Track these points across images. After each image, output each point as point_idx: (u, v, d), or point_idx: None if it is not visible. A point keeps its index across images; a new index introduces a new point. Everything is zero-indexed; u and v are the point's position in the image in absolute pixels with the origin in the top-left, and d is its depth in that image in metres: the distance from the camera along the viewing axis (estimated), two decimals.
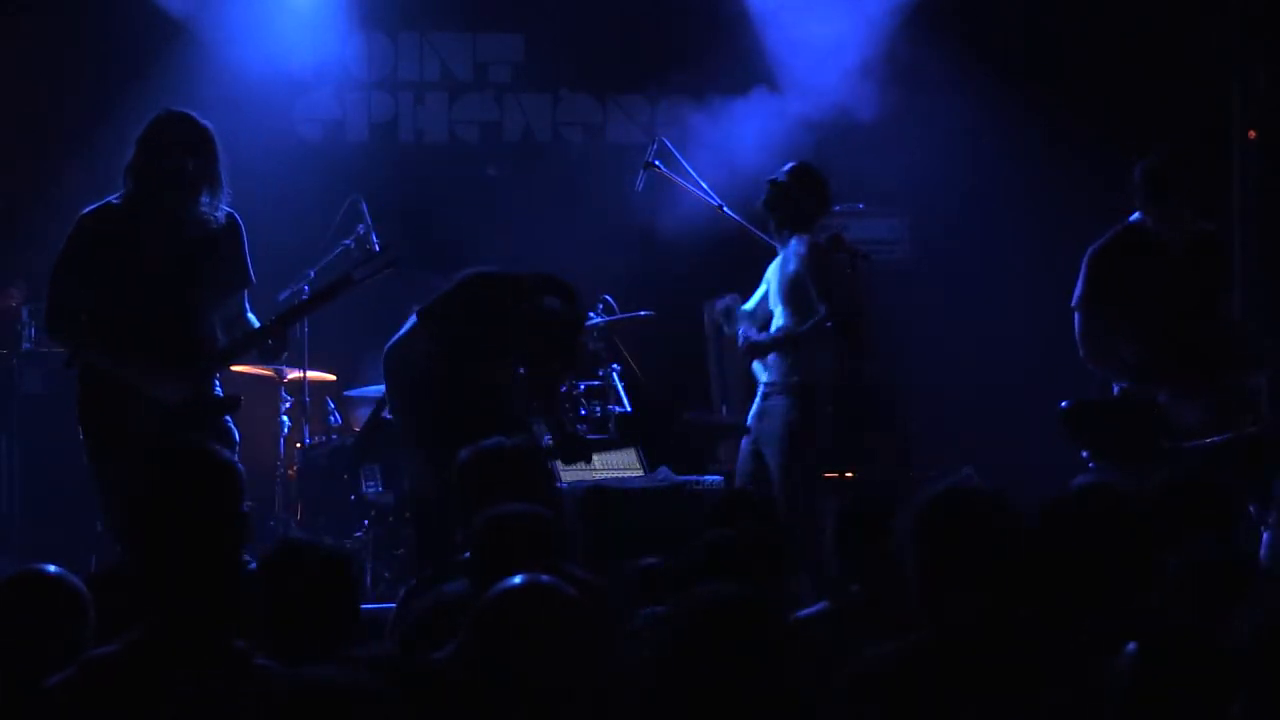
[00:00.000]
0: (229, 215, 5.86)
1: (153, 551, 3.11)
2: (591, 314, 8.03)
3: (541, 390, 6.55)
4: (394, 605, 5.23)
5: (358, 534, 7.88)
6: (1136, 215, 6.44)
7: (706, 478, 6.95)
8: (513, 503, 4.31)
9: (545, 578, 3.13)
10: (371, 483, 7.91)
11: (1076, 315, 6.45)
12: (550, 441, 6.63)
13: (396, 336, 6.37)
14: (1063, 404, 6.32)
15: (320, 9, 9.16)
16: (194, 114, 5.81)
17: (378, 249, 7.31)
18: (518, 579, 3.11)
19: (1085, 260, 6.46)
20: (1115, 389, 6.40)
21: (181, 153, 5.69)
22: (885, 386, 8.41)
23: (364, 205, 8.03)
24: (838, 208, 8.62)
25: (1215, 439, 6.05)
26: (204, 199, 5.73)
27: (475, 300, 6.27)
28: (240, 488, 3.22)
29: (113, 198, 5.77)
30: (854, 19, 9.16)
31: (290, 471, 8.35)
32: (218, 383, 5.91)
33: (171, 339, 5.70)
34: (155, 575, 3.10)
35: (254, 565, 3.73)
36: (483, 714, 3.06)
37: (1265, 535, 5.17)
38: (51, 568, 3.54)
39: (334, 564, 3.64)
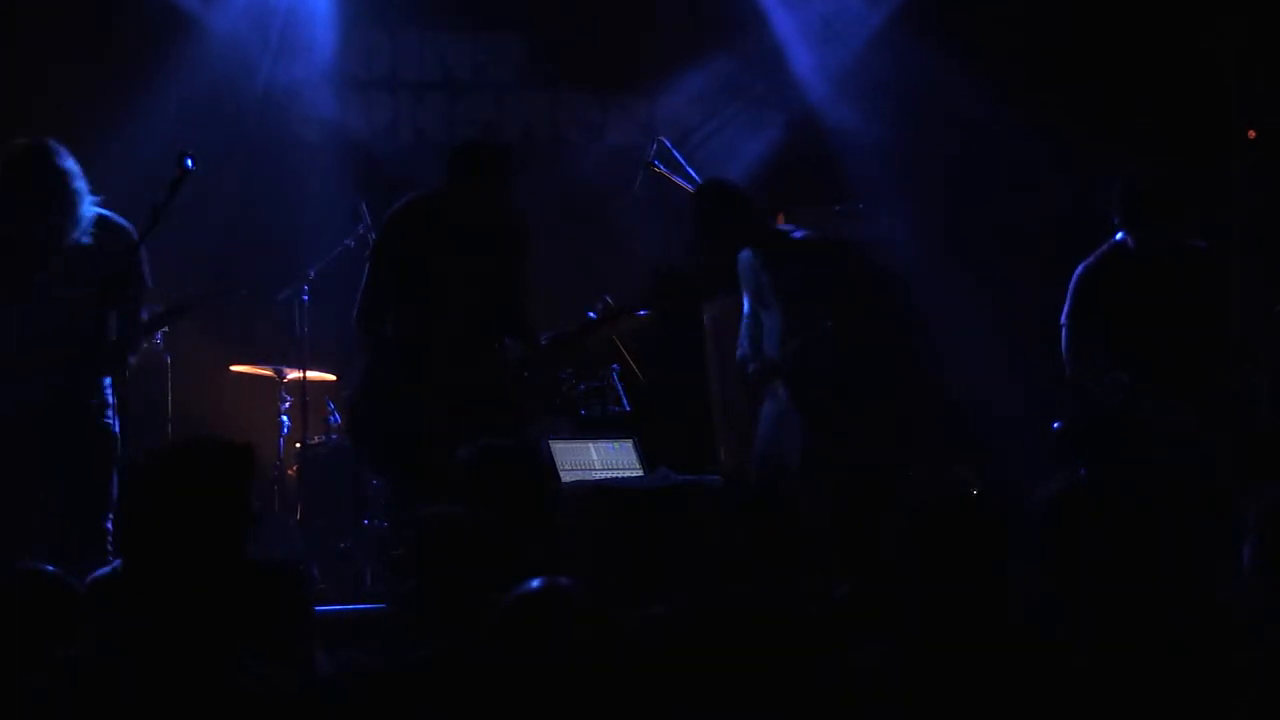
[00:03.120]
0: (115, 229, 6.03)
1: (153, 546, 3.09)
2: (590, 313, 8.05)
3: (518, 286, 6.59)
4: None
5: (365, 521, 7.89)
6: (1117, 228, 6.50)
7: (706, 478, 6.95)
8: (508, 502, 4.32)
9: (563, 580, 3.15)
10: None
11: (1063, 331, 6.51)
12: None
13: (360, 291, 6.47)
14: (1055, 425, 6.36)
15: (320, 8, 9.16)
16: (42, 146, 5.97)
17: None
18: (535, 582, 3.13)
19: (1073, 279, 6.53)
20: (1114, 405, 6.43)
21: (21, 190, 5.91)
22: (884, 386, 8.40)
23: (364, 205, 8.05)
24: (837, 208, 8.65)
25: (1208, 446, 6.07)
26: (58, 229, 5.92)
27: (409, 219, 6.42)
28: (248, 482, 3.22)
29: None
30: (854, 19, 9.19)
31: (290, 471, 8.36)
32: (108, 384, 6.07)
33: (42, 349, 5.90)
34: (152, 571, 3.08)
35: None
36: (492, 714, 3.08)
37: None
38: (48, 567, 3.55)
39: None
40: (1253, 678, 3.27)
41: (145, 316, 6.19)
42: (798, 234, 7.01)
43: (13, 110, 8.62)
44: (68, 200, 5.95)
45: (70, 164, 5.96)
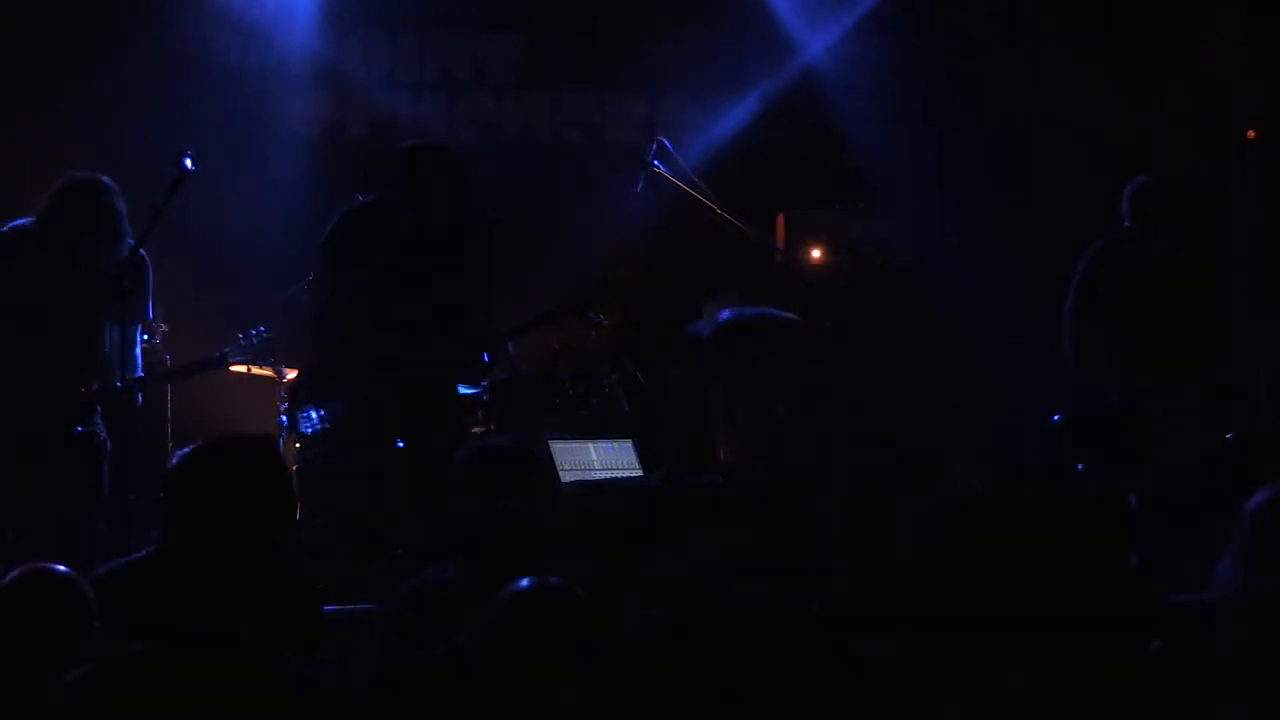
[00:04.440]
0: (137, 256, 6.16)
1: (196, 539, 3.07)
2: (591, 316, 8.08)
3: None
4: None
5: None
6: (1126, 224, 6.54)
7: (705, 478, 6.95)
8: (510, 500, 4.31)
9: (554, 579, 3.15)
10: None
11: (1066, 323, 6.53)
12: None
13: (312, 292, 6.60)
14: (1055, 417, 6.37)
15: (320, 8, 9.16)
16: (100, 182, 6.11)
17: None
18: (525, 582, 3.12)
19: (1076, 272, 6.56)
20: (1117, 401, 6.44)
21: (81, 226, 6.08)
22: (883, 385, 8.40)
23: None
24: (836, 206, 8.64)
25: (1209, 444, 6.08)
26: (100, 263, 6.10)
27: (355, 222, 6.60)
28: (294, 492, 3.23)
29: (26, 222, 6.01)
30: (852, 19, 9.21)
31: (290, 472, 8.34)
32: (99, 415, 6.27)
33: (42, 372, 6.09)
34: (197, 565, 3.06)
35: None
36: (488, 711, 3.07)
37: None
38: (58, 567, 3.56)
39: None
40: (1244, 674, 3.27)
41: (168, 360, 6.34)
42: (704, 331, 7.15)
43: (11, 110, 8.63)
44: (117, 241, 6.04)
45: (121, 204, 6.05)
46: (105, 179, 6.11)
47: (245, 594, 3.02)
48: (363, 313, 6.56)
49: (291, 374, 8.30)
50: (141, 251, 6.16)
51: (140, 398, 6.29)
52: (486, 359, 7.13)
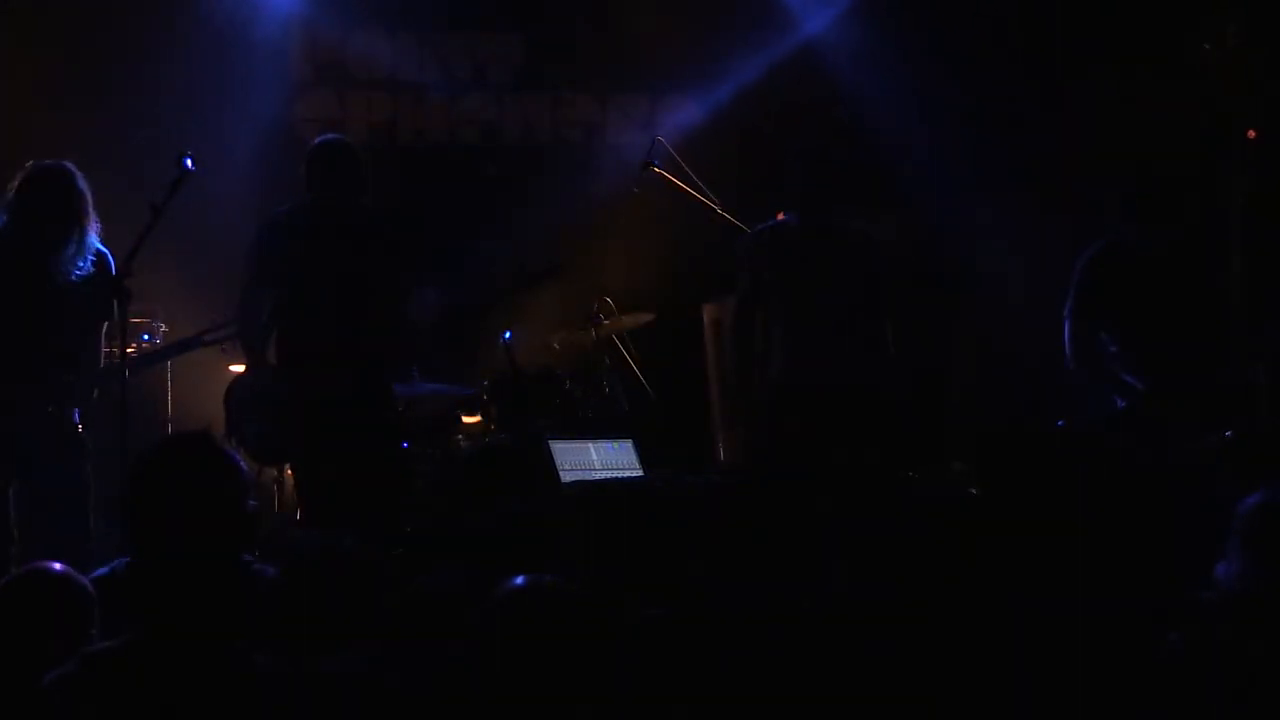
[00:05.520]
0: (99, 255, 6.11)
1: (151, 545, 3.08)
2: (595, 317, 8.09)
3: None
4: None
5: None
6: (1125, 224, 6.55)
7: (705, 478, 6.94)
8: (513, 500, 4.32)
9: (548, 577, 3.15)
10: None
11: (1066, 324, 6.53)
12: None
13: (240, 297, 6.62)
14: (1059, 423, 6.37)
15: (320, 8, 9.16)
16: (65, 169, 6.05)
17: None
18: (520, 579, 3.12)
19: (1075, 272, 6.56)
20: (1118, 403, 6.44)
21: (46, 211, 6.00)
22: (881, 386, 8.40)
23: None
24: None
25: (1210, 443, 6.08)
26: (68, 250, 6.01)
27: (278, 225, 6.54)
28: (243, 483, 3.20)
29: None
30: (851, 19, 9.22)
31: (290, 471, 8.35)
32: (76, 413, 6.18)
33: (30, 363, 6.01)
34: (154, 570, 3.07)
35: (260, 567, 3.74)
36: (486, 710, 3.08)
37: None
38: (57, 565, 3.55)
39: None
40: (1243, 674, 3.27)
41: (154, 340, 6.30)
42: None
43: (10, 112, 8.63)
44: (82, 227, 6.01)
45: (84, 185, 6.03)
46: (67, 163, 6.08)
47: (208, 592, 3.01)
48: (292, 317, 6.55)
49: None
50: (104, 250, 6.13)
51: (96, 392, 6.26)
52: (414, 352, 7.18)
